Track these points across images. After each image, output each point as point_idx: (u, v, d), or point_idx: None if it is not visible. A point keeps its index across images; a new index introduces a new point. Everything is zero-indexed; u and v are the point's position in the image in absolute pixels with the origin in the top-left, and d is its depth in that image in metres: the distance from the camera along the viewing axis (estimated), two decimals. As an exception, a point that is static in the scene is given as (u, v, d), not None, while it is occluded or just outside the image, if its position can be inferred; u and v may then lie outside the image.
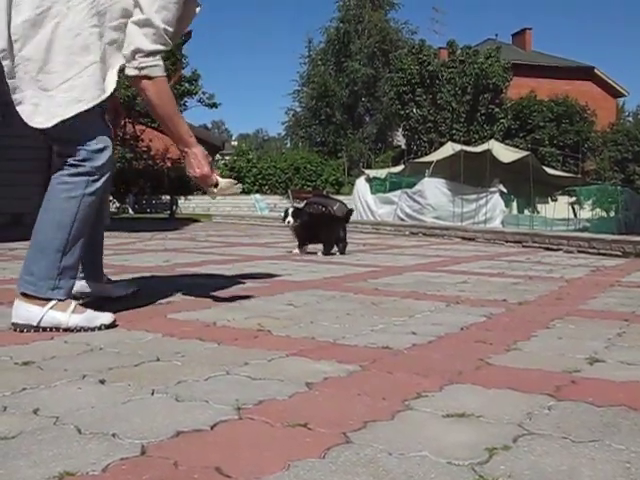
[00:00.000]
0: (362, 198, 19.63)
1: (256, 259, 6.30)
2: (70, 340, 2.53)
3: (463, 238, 10.72)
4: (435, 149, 25.61)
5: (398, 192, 18.25)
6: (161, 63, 2.76)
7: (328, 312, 3.28)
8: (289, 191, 26.81)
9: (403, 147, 36.02)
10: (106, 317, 2.74)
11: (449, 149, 18.91)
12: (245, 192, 28.42)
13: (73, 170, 2.74)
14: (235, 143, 52.43)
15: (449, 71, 33.00)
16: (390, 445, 1.49)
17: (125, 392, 1.87)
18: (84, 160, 2.74)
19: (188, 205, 26.61)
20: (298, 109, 47.77)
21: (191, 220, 16.89)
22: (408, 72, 33.28)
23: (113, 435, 1.52)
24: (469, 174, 17.07)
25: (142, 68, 2.72)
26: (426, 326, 2.97)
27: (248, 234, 10.91)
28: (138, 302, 3.36)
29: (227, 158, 32.06)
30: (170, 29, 2.76)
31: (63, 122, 2.64)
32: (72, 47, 2.63)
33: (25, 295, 2.68)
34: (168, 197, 24.61)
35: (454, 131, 32.08)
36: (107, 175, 2.82)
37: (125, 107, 23.13)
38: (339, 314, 3.23)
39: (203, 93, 27.46)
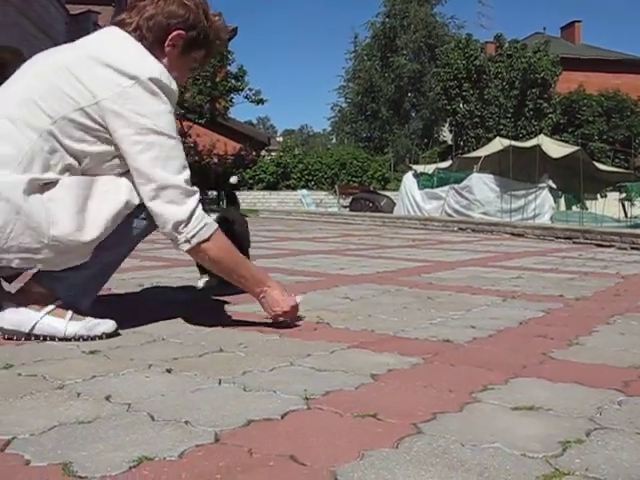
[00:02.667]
0: (409, 193, 19.53)
1: (307, 253, 6.32)
2: (133, 330, 2.57)
3: (512, 234, 10.61)
4: (482, 145, 25.37)
5: (446, 188, 18.12)
6: (207, 219, 2.40)
7: (385, 305, 3.28)
8: (336, 187, 26.79)
9: (449, 143, 35.75)
10: (107, 325, 2.44)
11: (497, 144, 18.70)
12: (291, 188, 28.51)
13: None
14: (280, 139, 52.52)
15: (496, 65, 32.63)
16: (462, 436, 1.49)
17: (192, 381, 1.89)
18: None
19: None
20: (344, 105, 47.67)
21: (238, 215, 17.01)
22: (455, 67, 32.99)
23: (186, 422, 1.54)
24: (517, 169, 16.86)
25: (193, 237, 2.35)
26: (484, 320, 2.95)
27: (296, 229, 10.95)
28: (197, 295, 3.40)
29: (273, 154, 32.14)
30: (188, 173, 2.38)
31: None
32: None
33: (24, 295, 2.39)
34: (215, 192, 24.78)
35: (501, 126, 31.72)
36: None
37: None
38: (396, 307, 3.23)
39: (250, 89, 27.61)
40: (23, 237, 2.18)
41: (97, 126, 2.25)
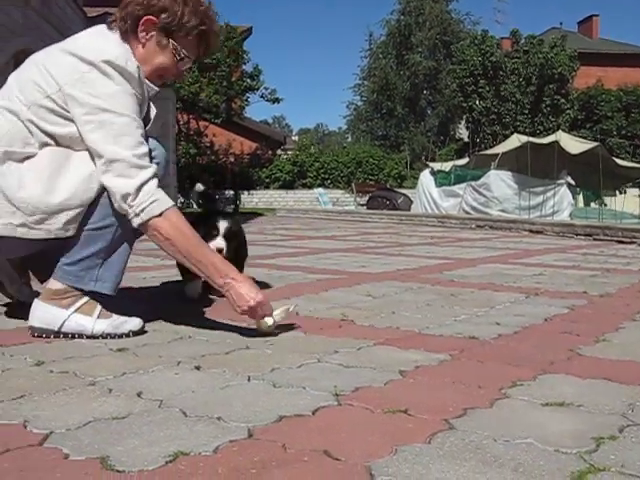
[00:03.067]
0: (427, 191, 19.51)
1: (327, 251, 6.33)
2: (159, 328, 2.58)
3: (530, 231, 10.58)
4: (499, 142, 25.30)
5: (463, 185, 18.07)
6: (160, 194, 2.37)
7: (408, 303, 3.28)
8: (352, 185, 26.78)
9: (465, 140, 35.64)
10: (134, 322, 2.48)
11: (515, 141, 18.62)
12: (308, 186, 28.53)
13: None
14: (296, 138, 52.55)
15: (513, 62, 32.47)
16: (494, 432, 1.49)
17: (222, 378, 1.91)
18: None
19: (251, 199, 26.84)
20: (359, 103, 47.69)
21: (255, 214, 17.04)
22: (471, 63, 32.86)
23: (218, 418, 1.55)
24: (536, 166, 16.80)
25: (142, 211, 2.33)
26: (509, 317, 2.94)
27: (314, 227, 10.96)
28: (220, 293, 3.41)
29: (289, 153, 32.17)
30: (141, 149, 2.38)
31: None
32: None
33: (51, 294, 2.45)
34: (231, 192, 24.85)
35: (518, 123, 31.58)
36: None
37: (188, 104, 23.60)
38: (419, 305, 3.23)
39: (265, 88, 27.64)
40: None
41: (63, 111, 2.37)
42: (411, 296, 3.52)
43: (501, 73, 32.63)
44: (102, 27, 2.55)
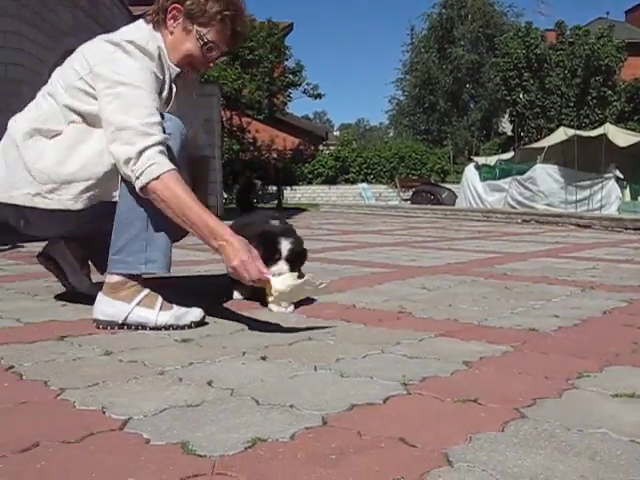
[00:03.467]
0: (471, 186, 19.35)
1: (375, 246, 6.34)
2: (219, 320, 2.62)
3: (578, 225, 10.44)
4: (543, 135, 24.97)
5: (508, 179, 17.88)
6: (159, 158, 2.37)
7: (463, 296, 3.28)
8: (396, 179, 26.71)
9: (509, 134, 35.27)
10: (195, 313, 2.51)
11: (562, 134, 18.36)
12: (350, 181, 28.51)
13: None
14: (337, 133, 52.51)
15: (558, 54, 32.00)
16: (566, 421, 1.49)
17: (288, 368, 1.93)
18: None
19: (294, 195, 26.92)
20: (401, 97, 47.39)
21: (299, 209, 17.09)
22: (514, 56, 32.47)
23: (291, 406, 1.58)
24: (582, 159, 16.55)
25: (142, 174, 2.36)
26: (566, 310, 2.93)
27: (360, 222, 10.97)
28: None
29: (332, 148, 32.19)
30: (151, 119, 2.42)
31: None
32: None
33: (111, 288, 2.52)
34: (274, 187, 24.95)
35: (563, 116, 31.13)
36: None
37: (231, 100, 23.72)
38: (474, 297, 3.23)
39: (307, 84, 27.66)
40: (17, 170, 2.56)
41: (92, 90, 2.51)
42: (466, 289, 3.52)
43: (546, 65, 32.20)
44: (140, 21, 2.72)
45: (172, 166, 2.38)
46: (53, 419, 1.50)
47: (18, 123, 2.66)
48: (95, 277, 3.00)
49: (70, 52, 2.71)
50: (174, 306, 2.53)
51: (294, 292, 2.46)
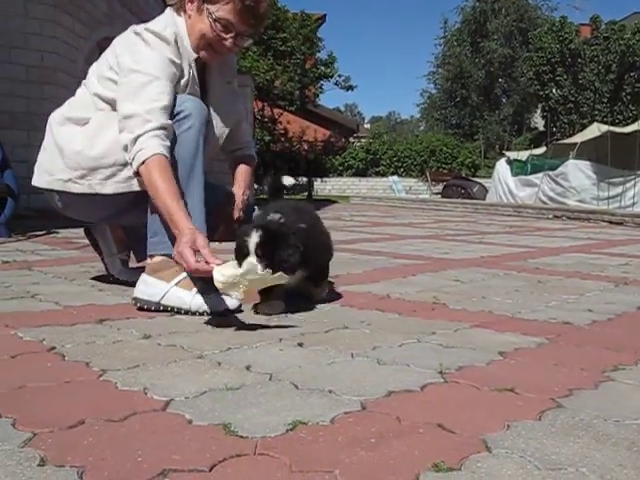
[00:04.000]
0: (502, 180, 19.24)
1: (407, 238, 6.34)
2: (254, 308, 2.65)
3: (610, 222, 10.37)
4: (576, 131, 24.75)
5: (540, 174, 17.74)
6: (149, 142, 2.41)
7: (496, 288, 3.28)
8: (427, 173, 26.63)
9: (541, 129, 34.99)
10: (231, 301, 2.46)
11: (595, 130, 18.16)
12: (381, 174, 28.47)
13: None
14: (368, 126, 52.47)
15: (592, 49, 31.69)
16: (602, 412, 1.50)
17: (326, 355, 1.96)
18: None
19: (324, 187, 26.96)
20: (433, 91, 47.22)
21: (329, 201, 17.11)
22: (548, 51, 32.22)
23: (329, 391, 1.60)
24: (615, 156, 16.36)
25: (133, 159, 2.43)
26: (600, 304, 2.92)
27: (391, 214, 10.97)
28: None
29: (362, 140, 32.17)
30: (155, 104, 2.47)
31: None
32: None
33: (152, 269, 2.58)
34: (305, 179, 24.99)
35: (596, 112, 30.85)
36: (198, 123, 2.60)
37: (263, 91, 23.78)
38: (508, 290, 3.23)
39: (339, 76, 27.62)
40: (53, 157, 2.72)
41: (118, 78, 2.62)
42: (499, 282, 3.52)
43: (579, 61, 31.90)
44: (167, 8, 2.79)
45: (157, 150, 2.41)
46: (97, 398, 1.54)
47: (55, 113, 2.80)
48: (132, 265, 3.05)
49: (104, 40, 2.80)
50: (211, 293, 2.53)
51: (241, 281, 2.22)
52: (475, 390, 1.64)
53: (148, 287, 2.56)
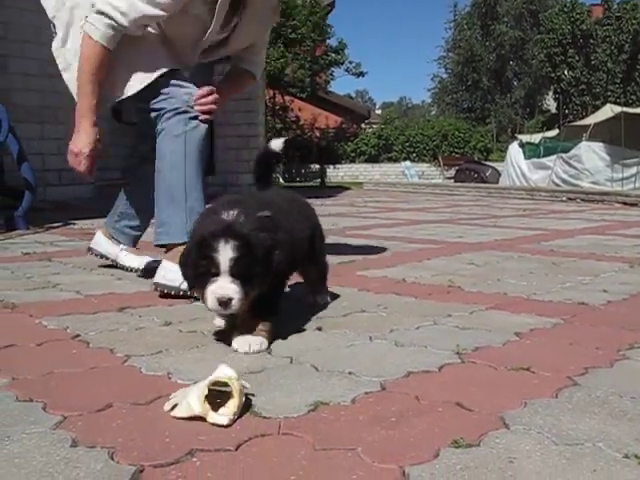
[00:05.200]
0: (515, 164, 19.15)
1: (421, 222, 6.36)
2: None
3: (624, 203, 10.31)
4: (589, 112, 24.57)
5: (553, 157, 17.64)
6: (104, 29, 2.60)
7: (511, 271, 3.30)
8: (439, 158, 26.57)
9: (553, 111, 34.78)
10: None
11: (608, 111, 18.06)
12: (393, 160, 28.43)
13: (167, 115, 2.74)
14: (379, 112, 52.22)
15: (604, 29, 31.42)
16: (618, 389, 1.53)
17: (344, 338, 1.99)
18: (176, 103, 2.74)
19: (337, 174, 26.93)
20: (444, 75, 46.91)
21: (342, 188, 17.10)
22: (559, 32, 31.99)
23: (349, 373, 1.64)
24: (629, 137, 16.25)
25: (86, 22, 2.64)
26: (615, 285, 2.94)
27: (404, 200, 10.98)
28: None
29: (374, 126, 32.10)
30: (130, 14, 2.61)
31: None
32: None
33: (166, 251, 2.71)
34: (317, 166, 24.99)
35: (609, 93, 30.61)
36: (204, 123, 2.76)
37: (274, 79, 23.76)
38: (522, 273, 3.25)
39: (350, 62, 27.55)
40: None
41: None
42: (513, 264, 3.54)
43: (591, 41, 31.65)
44: None
45: (99, 35, 2.61)
46: (122, 383, 1.58)
47: None
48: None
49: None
50: None
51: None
52: (492, 370, 1.68)
53: (168, 272, 2.60)
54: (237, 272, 1.72)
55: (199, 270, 1.77)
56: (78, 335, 2.02)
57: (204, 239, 1.77)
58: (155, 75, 2.72)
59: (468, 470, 1.12)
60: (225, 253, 1.71)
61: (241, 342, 1.85)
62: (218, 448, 1.22)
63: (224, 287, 1.72)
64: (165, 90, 2.75)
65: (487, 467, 1.13)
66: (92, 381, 1.60)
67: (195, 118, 2.74)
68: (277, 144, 2.61)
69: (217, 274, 1.73)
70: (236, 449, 1.22)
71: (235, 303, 1.72)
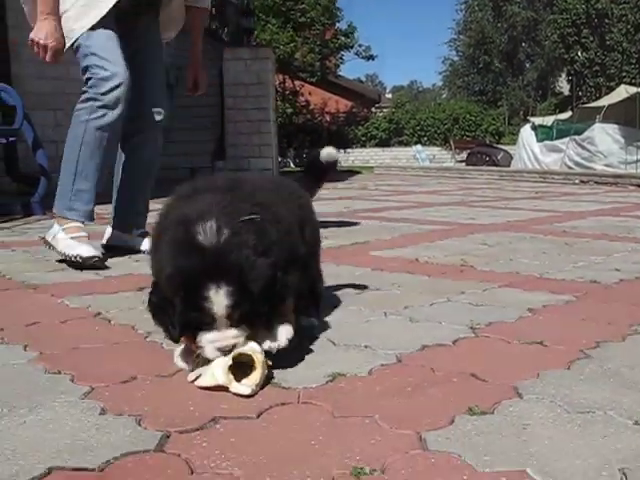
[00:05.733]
0: (527, 146, 19.08)
1: (433, 205, 6.38)
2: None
3: (638, 186, 10.28)
4: (603, 94, 24.40)
5: (566, 139, 17.58)
6: None
7: (523, 251, 3.33)
8: (450, 141, 26.50)
9: (566, 93, 34.56)
10: (96, 250, 2.87)
11: (622, 92, 17.93)
12: (404, 144, 28.38)
13: (83, 96, 2.93)
14: (390, 96, 52.00)
15: (620, 7, 31.00)
16: (629, 361, 1.57)
17: (360, 314, 2.04)
18: (90, 87, 2.90)
19: (347, 158, 26.89)
20: (455, 58, 46.63)
21: (353, 172, 17.10)
22: (573, 12, 31.62)
23: (365, 347, 1.68)
24: (645, 119, 16.17)
25: None
26: (628, 264, 2.96)
27: (416, 183, 10.98)
28: (338, 242, 3.55)
29: (385, 110, 32.01)
30: None
31: (72, 46, 2.90)
32: None
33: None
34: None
35: (624, 74, 30.29)
36: (117, 108, 2.90)
37: (283, 63, 23.75)
38: (535, 253, 3.27)
39: (359, 46, 27.48)
40: None
41: None
42: (526, 245, 3.57)
43: (607, 21, 31.28)
44: None
45: None
46: (145, 357, 1.63)
47: None
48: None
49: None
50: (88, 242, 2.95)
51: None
52: (505, 343, 1.72)
53: (52, 227, 2.99)
54: (237, 319, 1.41)
55: (189, 321, 1.41)
56: (100, 313, 2.07)
57: (190, 288, 1.38)
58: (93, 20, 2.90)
59: (483, 435, 1.16)
60: (220, 302, 1.38)
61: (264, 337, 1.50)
62: (240, 416, 1.26)
63: (225, 337, 1.41)
64: (89, 60, 2.91)
65: (501, 433, 1.18)
66: (116, 355, 1.65)
67: (104, 107, 2.88)
68: (329, 154, 2.24)
69: (211, 323, 1.41)
70: (258, 417, 1.26)
71: (239, 345, 1.42)
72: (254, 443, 1.15)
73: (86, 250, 2.80)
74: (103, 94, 2.87)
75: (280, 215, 1.59)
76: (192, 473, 1.05)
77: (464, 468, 1.05)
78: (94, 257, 2.79)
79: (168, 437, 1.17)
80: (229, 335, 1.41)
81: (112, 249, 3.25)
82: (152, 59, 3.20)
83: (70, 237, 2.86)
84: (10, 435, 1.19)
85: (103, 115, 2.89)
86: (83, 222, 2.98)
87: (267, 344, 1.48)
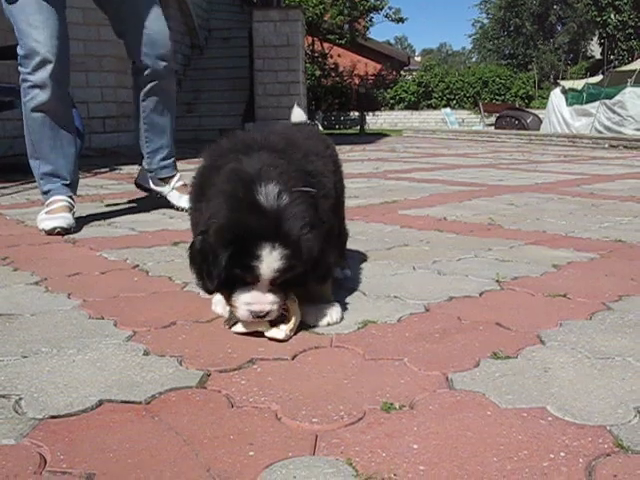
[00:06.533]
0: (557, 110, 18.87)
1: (462, 167, 6.39)
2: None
3: (669, 150, 10.18)
4: (636, 57, 23.98)
5: (596, 104, 17.33)
6: None
7: (550, 211, 3.36)
8: (480, 105, 26.25)
9: (598, 57, 33.99)
10: (57, 221, 2.78)
11: (654, 56, 17.71)
12: (433, 107, 28.18)
13: (21, 78, 2.84)
14: (419, 59, 51.49)
15: (655, -31, 30.34)
16: (651, 313, 1.62)
17: (389, 268, 2.10)
18: (19, 65, 2.81)
19: (376, 121, 26.79)
20: (485, 21, 45.99)
21: (382, 135, 17.06)
22: (606, -26, 31.02)
23: (395, 297, 1.74)
24: (677, 82, 15.93)
25: None
26: (655, 224, 2.99)
27: (444, 146, 10.95)
28: (367, 201, 3.60)
29: (414, 73, 31.73)
30: None
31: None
32: None
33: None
34: (356, 113, 24.86)
35: (658, 37, 29.75)
36: (47, 87, 2.79)
37: (312, 26, 23.59)
38: (562, 213, 3.31)
39: (389, 8, 27.22)
40: None
41: None
42: (553, 205, 3.59)
43: (641, -18, 30.64)
44: None
45: None
46: (183, 305, 1.71)
47: None
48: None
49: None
50: (57, 214, 2.89)
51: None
52: (530, 296, 1.77)
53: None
54: (279, 283, 1.40)
55: (229, 276, 1.39)
56: (137, 265, 2.16)
57: (243, 243, 1.36)
58: None
59: (506, 377, 1.23)
60: (269, 263, 1.35)
61: (316, 315, 1.54)
62: (276, 357, 1.34)
63: (262, 301, 1.39)
64: (17, 33, 2.80)
65: (524, 375, 1.24)
66: (155, 303, 1.73)
67: (34, 87, 2.79)
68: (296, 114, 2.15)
69: (253, 283, 1.39)
70: (293, 358, 1.34)
71: (272, 314, 1.41)
72: (290, 381, 1.22)
73: (49, 224, 2.77)
74: (29, 73, 2.78)
75: (327, 188, 1.60)
76: (232, 407, 1.12)
77: (488, 405, 1.12)
78: (55, 228, 2.77)
79: (209, 376, 1.25)
80: (266, 300, 1.39)
81: (143, 191, 3.51)
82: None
83: (45, 212, 2.87)
84: (62, 372, 1.27)
85: (35, 96, 2.81)
86: (64, 197, 2.94)
87: (325, 320, 1.52)
